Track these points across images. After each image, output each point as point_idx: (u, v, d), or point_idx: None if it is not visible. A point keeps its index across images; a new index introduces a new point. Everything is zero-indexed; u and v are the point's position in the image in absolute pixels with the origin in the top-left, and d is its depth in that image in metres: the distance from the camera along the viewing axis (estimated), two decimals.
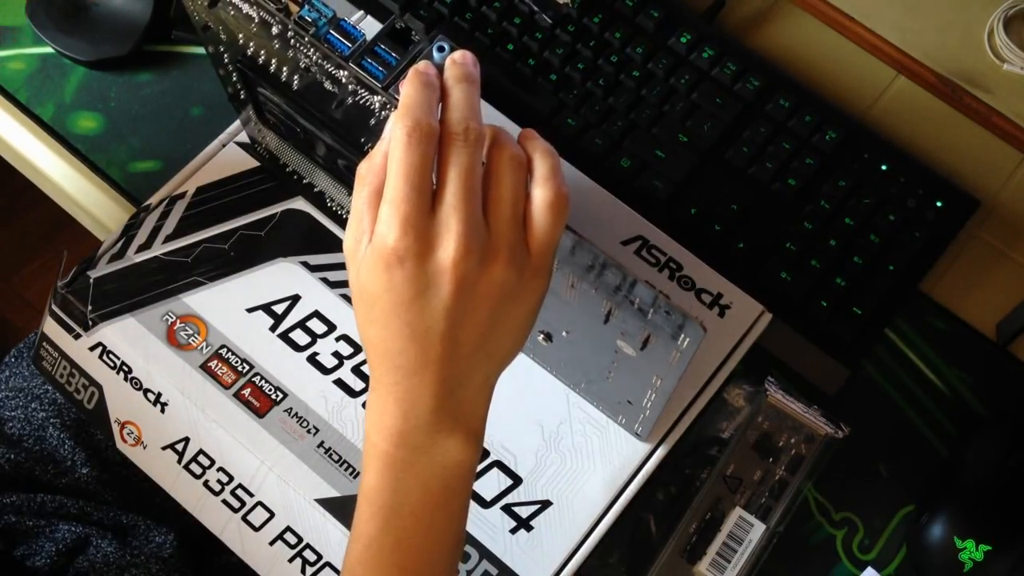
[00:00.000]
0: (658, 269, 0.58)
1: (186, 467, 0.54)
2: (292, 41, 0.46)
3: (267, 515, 0.53)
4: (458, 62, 0.42)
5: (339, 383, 0.55)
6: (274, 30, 0.46)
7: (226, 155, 0.61)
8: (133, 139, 0.67)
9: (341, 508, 0.52)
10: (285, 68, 0.48)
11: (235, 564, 0.55)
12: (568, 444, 0.54)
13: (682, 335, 0.42)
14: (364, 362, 0.55)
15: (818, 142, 0.65)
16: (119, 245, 0.58)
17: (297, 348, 0.56)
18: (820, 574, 0.58)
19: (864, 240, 0.62)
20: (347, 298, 0.57)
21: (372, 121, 0.46)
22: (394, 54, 0.45)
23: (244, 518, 0.53)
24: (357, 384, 0.55)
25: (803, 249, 0.62)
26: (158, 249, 0.58)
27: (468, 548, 0.52)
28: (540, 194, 0.40)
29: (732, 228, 0.63)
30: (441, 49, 0.45)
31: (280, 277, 0.57)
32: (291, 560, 0.53)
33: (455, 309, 0.39)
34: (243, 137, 0.61)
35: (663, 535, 0.56)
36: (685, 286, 0.58)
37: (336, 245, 0.58)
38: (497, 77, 0.66)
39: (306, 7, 0.46)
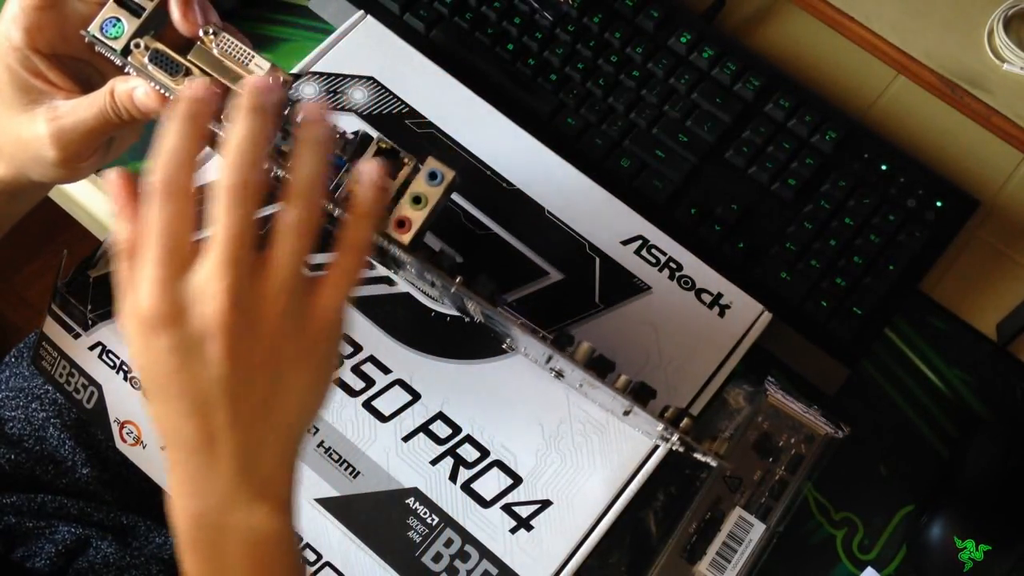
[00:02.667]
0: (658, 269, 0.58)
1: None
2: (274, 170, 0.45)
3: None
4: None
5: (339, 382, 0.55)
6: None
7: None
8: None
9: (341, 508, 0.52)
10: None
11: None
12: (568, 444, 0.54)
13: (657, 427, 0.45)
14: (364, 362, 0.55)
15: (818, 142, 0.65)
16: None
17: None
18: (820, 574, 0.58)
19: (864, 240, 0.62)
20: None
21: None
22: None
23: None
24: (357, 384, 0.55)
25: (803, 249, 0.62)
26: None
27: (468, 548, 0.52)
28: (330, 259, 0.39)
29: (732, 228, 0.63)
30: (433, 176, 0.43)
31: None
32: None
33: (228, 378, 0.37)
34: None
35: (663, 535, 0.56)
36: (685, 286, 0.58)
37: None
38: (497, 77, 0.66)
39: (279, 135, 0.44)
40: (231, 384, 0.37)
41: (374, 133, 0.60)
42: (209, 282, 0.36)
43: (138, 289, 0.37)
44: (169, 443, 0.39)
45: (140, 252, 0.37)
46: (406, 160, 0.44)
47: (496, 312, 0.46)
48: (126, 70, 0.46)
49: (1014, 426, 0.59)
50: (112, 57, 0.45)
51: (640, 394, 0.47)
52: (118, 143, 0.52)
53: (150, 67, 0.44)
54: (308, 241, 0.39)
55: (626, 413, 0.50)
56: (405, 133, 0.60)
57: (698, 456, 0.46)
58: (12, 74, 0.46)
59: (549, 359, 0.48)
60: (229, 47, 0.44)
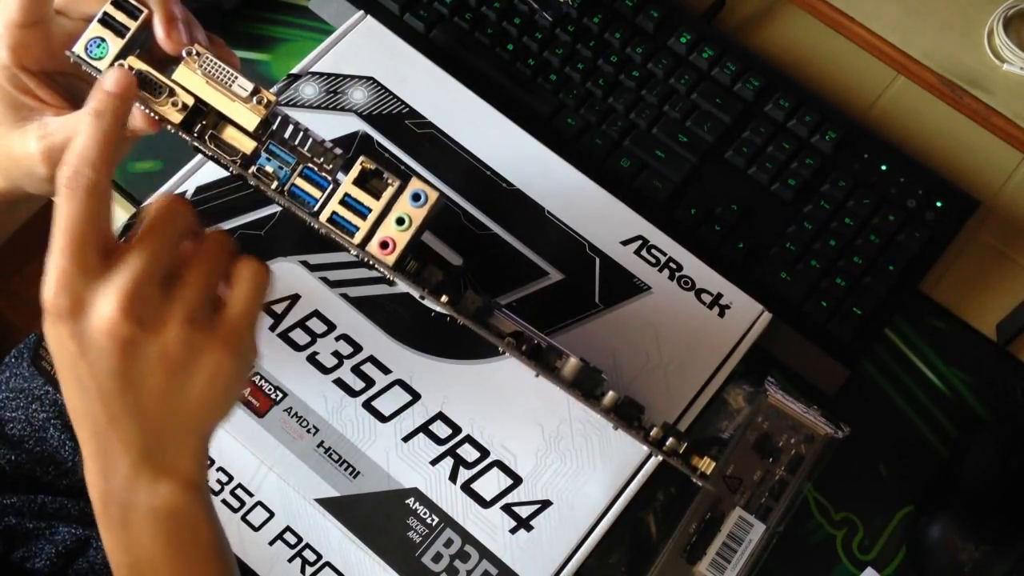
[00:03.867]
0: (658, 269, 0.58)
1: None
2: (258, 187, 0.45)
3: (267, 515, 0.53)
4: (105, 89, 0.41)
5: (339, 383, 0.55)
6: (233, 171, 0.45)
7: None
8: None
9: (341, 508, 0.52)
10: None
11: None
12: (568, 444, 0.54)
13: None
14: (364, 362, 0.55)
15: (818, 142, 0.65)
16: None
17: (297, 348, 0.56)
18: (820, 574, 0.58)
19: (864, 240, 0.62)
20: (347, 298, 0.57)
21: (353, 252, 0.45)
22: (366, 204, 0.44)
23: (244, 518, 0.53)
24: (357, 384, 0.55)
25: (803, 249, 0.62)
26: None
27: (468, 548, 0.52)
28: (238, 265, 0.41)
29: (732, 228, 0.63)
30: (417, 198, 0.43)
31: (280, 277, 0.57)
32: (291, 560, 0.53)
33: (124, 373, 0.39)
34: None
35: (663, 535, 0.56)
36: (685, 286, 0.58)
37: (337, 244, 0.58)
38: (497, 77, 0.66)
39: (264, 156, 0.44)
40: (126, 378, 0.39)
41: (372, 132, 0.60)
42: (113, 280, 0.38)
43: (47, 277, 0.38)
44: (78, 423, 0.40)
45: (52, 239, 0.38)
46: (390, 181, 0.44)
47: (480, 330, 0.46)
48: None
49: (1014, 426, 0.59)
50: (98, 77, 0.45)
51: (626, 412, 0.47)
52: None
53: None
54: (219, 267, 0.42)
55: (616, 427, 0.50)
56: (405, 133, 0.60)
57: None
58: (2, 92, 0.46)
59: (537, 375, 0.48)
60: (212, 68, 0.44)
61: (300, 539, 0.53)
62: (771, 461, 0.58)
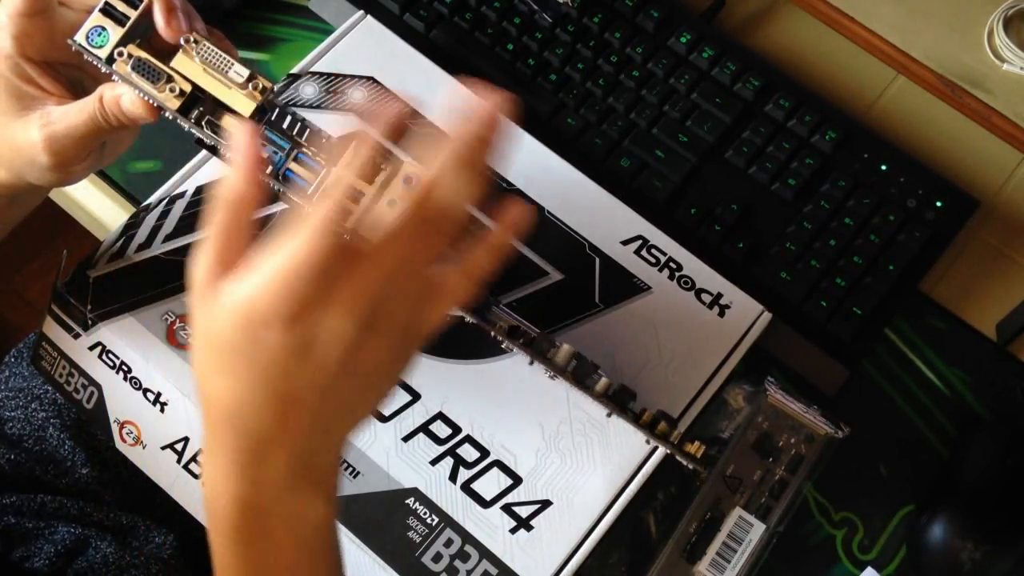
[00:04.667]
0: (658, 269, 0.58)
1: (185, 467, 0.54)
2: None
3: None
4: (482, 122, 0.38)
5: None
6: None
7: None
8: None
9: (341, 508, 0.52)
10: None
11: None
12: (568, 444, 0.54)
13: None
14: None
15: (818, 142, 0.65)
16: (119, 245, 0.58)
17: None
18: (820, 574, 0.58)
19: (864, 240, 0.62)
20: None
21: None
22: (358, 187, 0.43)
23: None
24: None
25: (803, 249, 0.62)
26: (158, 248, 0.58)
27: (468, 548, 0.52)
28: (451, 281, 0.38)
29: (732, 228, 0.63)
30: (408, 180, 0.43)
31: None
32: None
33: (332, 386, 0.36)
34: None
35: (663, 535, 0.56)
36: (685, 286, 0.58)
37: None
38: (497, 77, 0.66)
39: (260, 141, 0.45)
40: (329, 394, 0.37)
41: (372, 132, 0.60)
42: (345, 294, 0.36)
43: (275, 280, 0.35)
44: (229, 425, 0.37)
45: (289, 242, 0.36)
46: (383, 165, 0.44)
47: (476, 318, 0.46)
48: (112, 78, 0.46)
49: (1014, 426, 0.59)
50: (98, 65, 0.46)
51: (619, 397, 0.47)
52: (113, 147, 0.53)
53: (133, 75, 0.45)
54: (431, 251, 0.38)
55: (608, 415, 0.50)
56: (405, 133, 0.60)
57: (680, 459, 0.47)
58: (5, 82, 0.47)
59: (532, 363, 0.48)
60: (210, 55, 0.45)
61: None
62: (771, 461, 0.58)
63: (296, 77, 0.61)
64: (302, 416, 0.37)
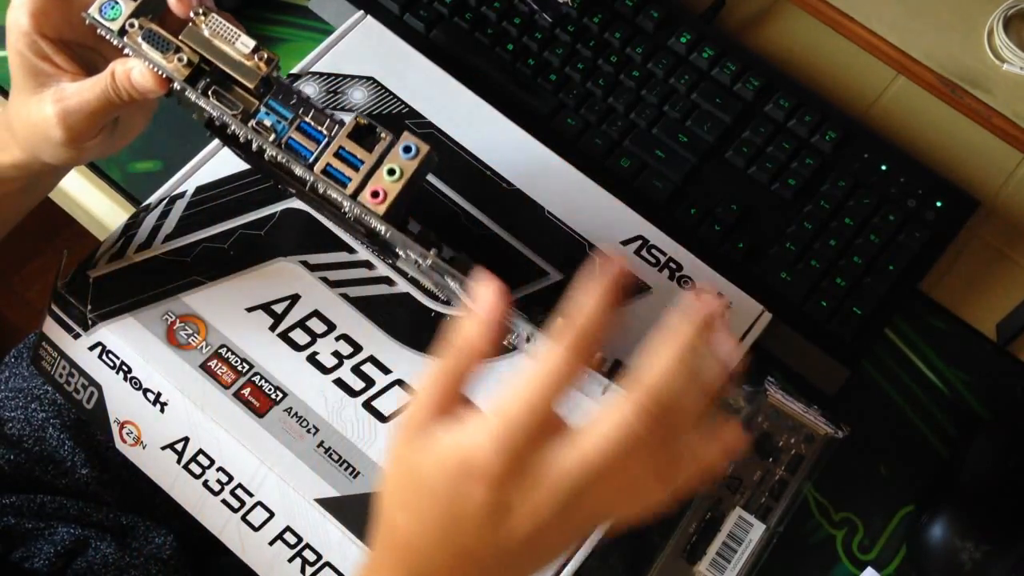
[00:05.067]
0: (658, 269, 0.58)
1: (185, 467, 0.54)
2: (254, 143, 0.46)
3: (267, 515, 0.53)
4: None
5: (339, 383, 0.55)
6: (234, 128, 0.46)
7: (226, 155, 0.60)
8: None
9: (341, 508, 0.52)
10: (254, 144, 0.48)
11: (235, 564, 0.55)
12: None
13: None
14: (364, 362, 0.55)
15: (818, 142, 0.65)
16: (119, 245, 0.58)
17: (297, 348, 0.56)
18: (820, 574, 0.58)
19: (864, 240, 0.62)
20: (347, 298, 0.57)
21: (344, 210, 0.46)
22: (359, 157, 0.45)
23: (244, 518, 0.53)
24: (357, 384, 0.55)
25: (803, 249, 0.62)
26: (158, 249, 0.58)
27: None
28: (653, 490, 0.37)
29: (732, 228, 0.63)
30: (408, 150, 0.44)
31: (280, 277, 0.57)
32: (291, 560, 0.53)
33: (509, 554, 0.37)
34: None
35: (663, 535, 0.56)
36: (685, 286, 0.58)
37: (336, 245, 0.58)
38: (497, 77, 0.66)
39: (263, 111, 0.46)
40: (505, 560, 0.37)
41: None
42: (563, 465, 0.36)
43: (491, 437, 0.36)
44: (399, 555, 0.39)
45: (511, 401, 0.36)
46: (383, 135, 0.45)
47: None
48: (123, 50, 0.48)
49: (1014, 426, 0.59)
50: (109, 37, 0.47)
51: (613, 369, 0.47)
52: (124, 128, 0.53)
53: (143, 45, 0.46)
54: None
55: (605, 391, 0.50)
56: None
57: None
58: (22, 59, 0.48)
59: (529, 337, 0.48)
60: (218, 27, 0.46)
61: (300, 539, 0.53)
62: (771, 461, 0.58)
63: (296, 77, 0.61)
64: (471, 570, 0.37)
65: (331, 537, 0.52)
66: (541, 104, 0.65)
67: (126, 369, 0.55)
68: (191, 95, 0.47)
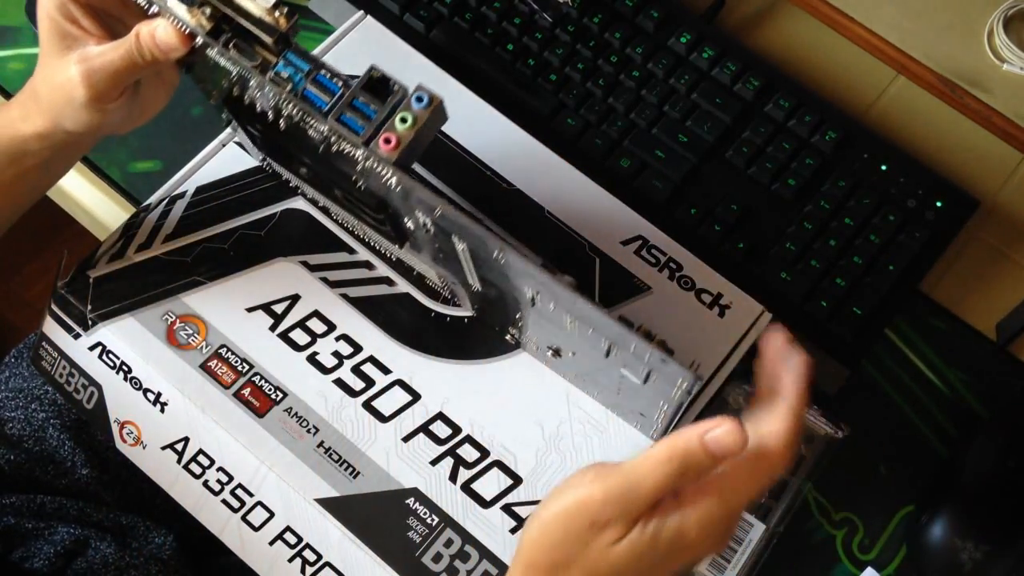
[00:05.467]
0: (658, 269, 0.58)
1: (186, 467, 0.54)
2: (271, 96, 0.46)
3: (267, 515, 0.53)
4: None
5: (339, 383, 0.55)
6: (252, 83, 0.47)
7: (226, 155, 0.61)
8: (133, 139, 0.67)
9: (341, 508, 0.52)
10: (270, 112, 0.48)
11: (235, 564, 0.55)
12: (568, 444, 0.54)
13: (679, 381, 0.44)
14: (364, 362, 0.55)
15: (818, 142, 0.65)
16: (119, 245, 0.58)
17: (297, 348, 0.56)
18: (820, 574, 0.58)
19: (864, 240, 0.62)
20: (347, 298, 0.57)
21: (359, 167, 0.46)
22: (373, 106, 0.45)
23: (244, 518, 0.53)
24: (357, 384, 0.55)
25: (803, 249, 0.62)
26: (158, 249, 0.58)
27: (468, 548, 0.52)
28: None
29: (732, 228, 0.63)
30: (420, 99, 0.45)
31: (280, 277, 0.57)
32: (291, 560, 0.53)
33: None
34: (243, 137, 0.61)
35: None
36: (685, 286, 0.58)
37: (336, 245, 0.58)
38: (497, 77, 0.66)
39: (281, 63, 0.47)
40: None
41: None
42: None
43: (710, 535, 0.41)
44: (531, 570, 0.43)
45: (732, 502, 0.41)
46: (396, 88, 0.46)
47: (487, 236, 0.45)
48: (148, 9, 0.48)
49: (1014, 426, 0.59)
50: None
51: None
52: (146, 102, 0.54)
53: (169, 1, 0.47)
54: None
55: (647, 379, 0.48)
56: None
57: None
58: (51, 22, 0.49)
59: (534, 298, 0.48)
60: None
61: (300, 539, 0.53)
62: None
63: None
64: None
65: (331, 537, 0.52)
66: (541, 104, 0.65)
67: (126, 369, 0.55)
68: (212, 51, 0.47)
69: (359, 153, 0.45)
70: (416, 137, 0.46)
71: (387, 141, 0.45)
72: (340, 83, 0.47)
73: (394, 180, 0.45)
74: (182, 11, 0.47)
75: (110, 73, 0.49)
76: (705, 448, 0.39)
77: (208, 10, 0.47)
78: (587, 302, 0.43)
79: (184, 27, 0.47)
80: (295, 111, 0.46)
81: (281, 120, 0.48)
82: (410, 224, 0.50)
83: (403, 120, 0.45)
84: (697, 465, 0.39)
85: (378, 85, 0.46)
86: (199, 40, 0.48)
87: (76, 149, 0.56)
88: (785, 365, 0.41)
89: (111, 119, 0.51)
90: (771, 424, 0.41)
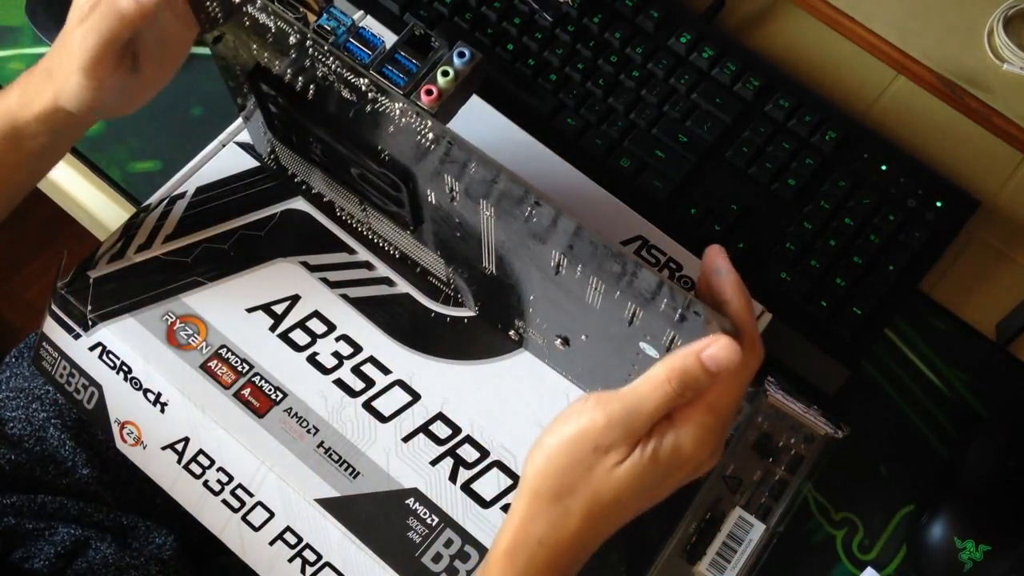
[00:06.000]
0: (658, 269, 0.58)
1: (186, 467, 0.54)
2: (311, 50, 0.46)
3: (267, 515, 0.53)
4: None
5: (339, 383, 0.55)
6: (292, 39, 0.46)
7: (226, 155, 0.61)
8: (133, 139, 0.67)
9: (340, 508, 0.52)
10: (300, 78, 0.48)
11: (235, 564, 0.55)
12: None
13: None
14: (364, 362, 0.55)
15: (818, 142, 0.65)
16: (119, 245, 0.58)
17: (297, 348, 0.56)
18: (820, 574, 0.58)
19: (864, 240, 0.62)
20: (347, 298, 0.57)
21: (391, 128, 0.46)
22: (415, 61, 0.46)
23: (244, 518, 0.53)
24: (357, 384, 0.55)
25: (803, 249, 0.62)
26: (158, 249, 0.58)
27: (468, 548, 0.52)
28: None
29: (732, 228, 0.63)
30: (462, 55, 0.45)
31: (280, 277, 0.57)
32: (291, 560, 0.53)
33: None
34: (243, 137, 0.61)
35: (663, 535, 0.56)
36: (685, 286, 0.58)
37: (336, 245, 0.58)
38: (497, 77, 0.66)
39: (324, 16, 0.47)
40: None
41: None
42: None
43: (706, 443, 0.43)
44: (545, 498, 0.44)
45: (720, 411, 0.42)
46: (436, 44, 0.46)
47: (523, 182, 0.45)
48: None
49: (1014, 426, 0.59)
50: None
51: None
52: (148, 76, 0.52)
53: None
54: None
55: (669, 347, 0.46)
56: None
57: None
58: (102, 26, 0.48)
59: (559, 265, 0.46)
60: None
61: (300, 539, 0.53)
62: (771, 461, 0.58)
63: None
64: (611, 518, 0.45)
65: (331, 537, 0.52)
66: (541, 104, 0.65)
67: (126, 369, 0.55)
68: (253, 7, 0.46)
69: (397, 108, 0.45)
70: (457, 91, 0.46)
71: (428, 92, 0.45)
72: (381, 38, 0.46)
73: (432, 135, 0.45)
74: None
75: (100, 33, 0.47)
76: (703, 366, 0.40)
77: None
78: (622, 248, 0.43)
79: None
80: (334, 65, 0.46)
81: (312, 85, 0.48)
82: (432, 197, 0.49)
83: (444, 73, 0.45)
84: (695, 383, 0.40)
85: (419, 42, 0.46)
86: None
87: (73, 131, 0.55)
88: (719, 278, 0.42)
89: (108, 96, 0.50)
90: (748, 326, 0.42)
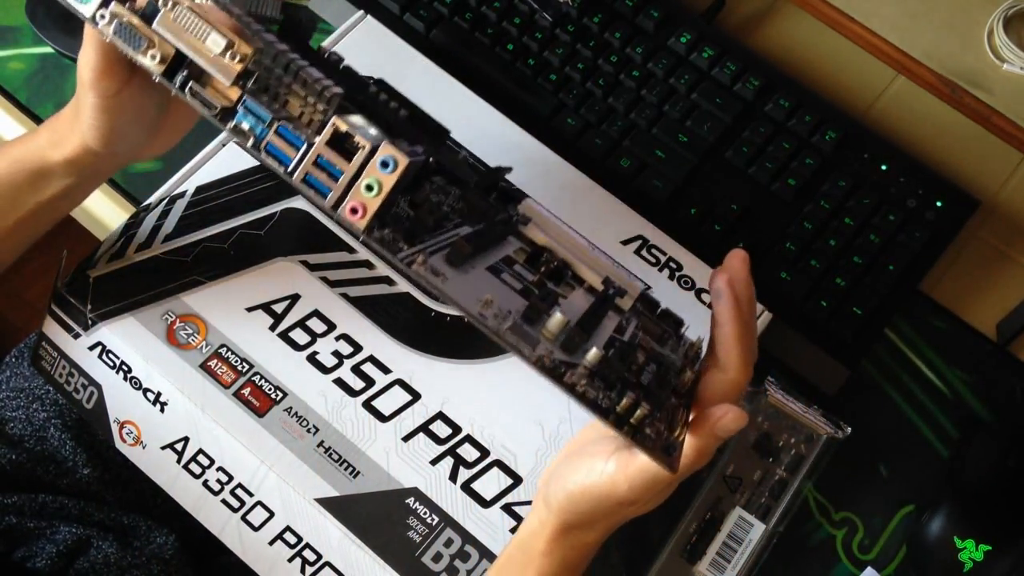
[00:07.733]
0: (658, 269, 0.58)
1: (185, 467, 0.54)
2: (238, 143, 0.44)
3: (267, 515, 0.53)
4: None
5: (339, 382, 0.55)
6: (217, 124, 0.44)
7: (226, 155, 0.61)
8: None
9: (341, 508, 0.52)
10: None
11: (235, 564, 0.55)
12: None
13: None
14: (364, 361, 0.55)
15: (818, 142, 0.65)
16: (119, 245, 0.58)
17: (297, 347, 0.56)
18: (820, 574, 0.58)
19: (864, 240, 0.62)
20: (347, 298, 0.57)
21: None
22: (338, 166, 0.42)
23: (244, 518, 0.53)
24: (357, 383, 0.55)
25: (803, 249, 0.62)
26: (158, 248, 0.58)
27: (468, 548, 0.52)
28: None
29: (732, 228, 0.63)
30: (385, 164, 0.41)
31: (280, 276, 0.57)
32: (291, 560, 0.53)
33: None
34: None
35: (663, 535, 0.56)
36: (685, 286, 0.58)
37: (336, 245, 0.58)
38: (497, 77, 0.66)
39: (240, 111, 0.43)
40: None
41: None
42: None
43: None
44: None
45: None
46: (361, 144, 0.42)
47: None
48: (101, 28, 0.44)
49: (1014, 426, 0.59)
50: (81, 18, 0.44)
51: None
52: (172, 127, 0.52)
53: (116, 40, 0.43)
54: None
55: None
56: None
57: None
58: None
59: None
60: (187, 21, 0.42)
61: (300, 539, 0.53)
62: (771, 461, 0.58)
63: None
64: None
65: (331, 537, 0.52)
66: (541, 104, 0.65)
67: (126, 369, 0.55)
68: (170, 88, 0.43)
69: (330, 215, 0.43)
70: (384, 203, 0.42)
71: (354, 211, 0.42)
72: (303, 135, 0.42)
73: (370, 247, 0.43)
74: (130, 51, 0.43)
75: (105, 51, 0.47)
76: (718, 437, 0.42)
77: (158, 54, 0.42)
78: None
79: (137, 63, 0.43)
80: (262, 162, 0.43)
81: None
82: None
83: (368, 188, 0.42)
84: (716, 446, 0.42)
85: (342, 139, 0.42)
86: (155, 78, 0.43)
87: (99, 175, 0.54)
88: (717, 302, 0.45)
89: (127, 127, 0.49)
90: (730, 356, 0.45)
